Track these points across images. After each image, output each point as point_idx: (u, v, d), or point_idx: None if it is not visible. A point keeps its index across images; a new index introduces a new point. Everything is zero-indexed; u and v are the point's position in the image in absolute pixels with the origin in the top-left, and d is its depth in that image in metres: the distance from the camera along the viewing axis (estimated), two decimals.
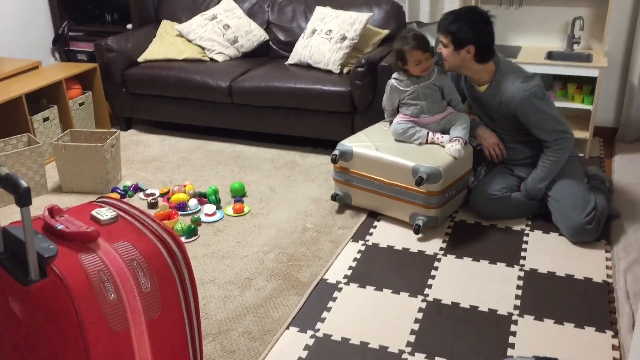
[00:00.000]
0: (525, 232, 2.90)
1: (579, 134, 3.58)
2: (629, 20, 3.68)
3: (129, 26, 4.53)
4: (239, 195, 3.26)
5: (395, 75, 3.02)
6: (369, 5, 3.97)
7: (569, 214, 2.77)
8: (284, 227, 2.97)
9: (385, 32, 3.88)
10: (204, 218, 3.04)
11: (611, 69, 3.75)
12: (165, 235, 1.46)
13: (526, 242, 2.81)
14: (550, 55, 3.71)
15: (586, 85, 3.68)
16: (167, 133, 4.18)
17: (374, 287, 2.51)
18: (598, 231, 2.77)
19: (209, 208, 3.08)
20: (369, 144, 3.00)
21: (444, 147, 2.90)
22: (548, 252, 2.73)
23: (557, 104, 3.38)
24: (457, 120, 2.96)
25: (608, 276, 2.55)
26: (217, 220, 3.04)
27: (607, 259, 2.67)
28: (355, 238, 2.88)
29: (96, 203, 1.58)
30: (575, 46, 3.77)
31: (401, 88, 2.98)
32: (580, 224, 2.72)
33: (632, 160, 3.61)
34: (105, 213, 1.48)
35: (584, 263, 2.64)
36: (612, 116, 3.96)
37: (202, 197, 3.21)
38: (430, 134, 2.97)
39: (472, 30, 2.76)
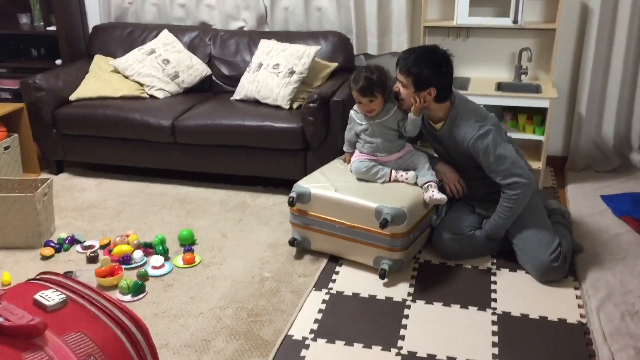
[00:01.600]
0: (492, 271, 2.80)
1: (531, 164, 3.55)
2: (574, 50, 3.72)
3: (58, 62, 4.23)
4: (188, 243, 3.02)
5: (355, 106, 2.92)
6: (315, 38, 3.85)
7: (535, 254, 2.69)
8: (240, 278, 2.75)
9: (334, 65, 3.76)
10: (151, 271, 2.78)
11: (559, 98, 3.76)
12: (125, 319, 1.24)
13: (494, 282, 2.71)
14: (500, 87, 3.69)
15: (536, 115, 3.67)
16: (104, 176, 3.88)
17: (344, 342, 2.33)
18: (565, 268, 2.70)
19: (157, 260, 2.83)
20: (327, 184, 2.84)
21: (410, 183, 2.82)
22: (518, 293, 2.63)
23: (509, 134, 3.34)
24: (418, 160, 2.86)
25: (581, 316, 2.48)
26: (166, 273, 2.79)
27: (577, 297, 2.60)
28: (318, 286, 2.70)
29: (38, 282, 1.33)
30: (523, 77, 3.77)
31: (357, 120, 2.88)
32: (547, 263, 2.65)
33: (585, 190, 3.61)
34: (51, 296, 1.24)
35: (556, 303, 2.56)
36: (560, 145, 3.98)
37: (148, 248, 2.95)
38: (393, 172, 2.84)
39: (435, 73, 2.67)
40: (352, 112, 2.92)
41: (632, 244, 2.98)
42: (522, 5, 3.46)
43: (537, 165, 3.62)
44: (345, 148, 3.06)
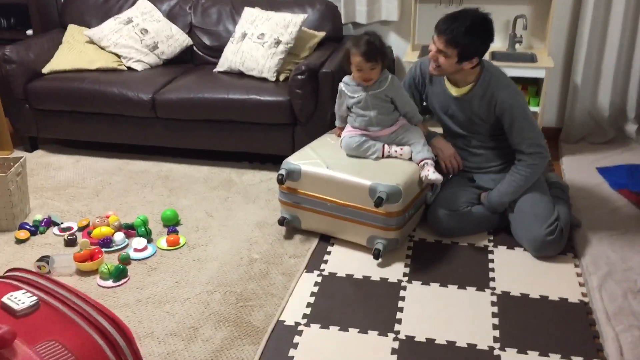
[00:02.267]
0: (489, 248, 2.71)
1: None
2: (570, 18, 3.59)
3: (29, 32, 4.00)
4: (172, 224, 2.88)
5: (345, 78, 2.74)
6: (301, 6, 3.67)
7: (530, 227, 2.60)
8: (228, 260, 2.62)
9: (321, 34, 3.59)
10: (133, 254, 2.64)
11: (554, 68, 3.64)
12: (105, 323, 1.11)
13: (492, 261, 2.62)
14: (494, 56, 3.56)
15: (531, 86, 3.55)
16: (82, 153, 3.70)
17: (339, 327, 2.23)
18: (561, 243, 2.61)
19: (139, 242, 2.69)
20: (318, 160, 2.71)
21: (405, 159, 2.70)
22: (516, 271, 2.54)
23: None
24: (412, 136, 2.72)
25: (583, 295, 2.39)
26: (150, 256, 2.65)
27: (577, 275, 2.51)
28: (310, 268, 2.58)
29: (6, 282, 1.19)
30: (517, 45, 3.63)
31: (349, 93, 2.71)
32: (541, 237, 2.56)
33: (580, 162, 3.52)
34: (21, 299, 1.11)
35: (556, 281, 2.47)
36: (554, 116, 3.87)
37: (130, 229, 2.81)
38: (386, 147, 2.71)
39: (483, 44, 2.51)
40: (341, 85, 2.75)
41: (631, 218, 2.90)
42: None
43: None
44: (337, 123, 2.91)
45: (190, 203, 3.10)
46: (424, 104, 2.93)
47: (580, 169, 3.43)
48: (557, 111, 3.85)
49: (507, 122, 2.62)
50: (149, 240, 2.75)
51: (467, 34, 2.46)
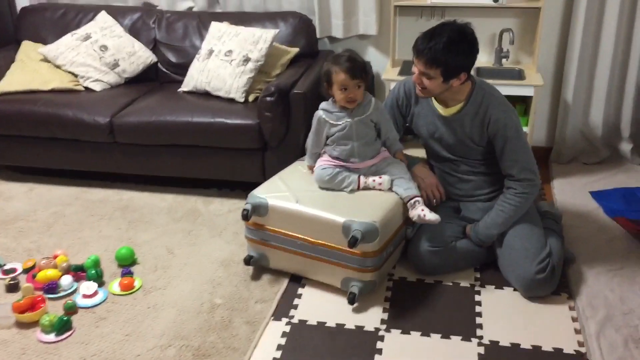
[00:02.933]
0: (476, 288, 2.46)
1: None
2: (559, 31, 3.37)
3: None
4: (127, 264, 2.61)
5: (324, 105, 2.47)
6: (273, 20, 3.42)
7: (519, 264, 2.37)
8: (187, 306, 2.36)
9: (295, 50, 3.34)
10: (81, 302, 2.37)
11: (544, 85, 3.41)
12: None
13: (479, 303, 2.37)
14: (479, 72, 3.32)
15: (519, 104, 3.32)
16: (36, 180, 3.41)
17: None
18: (553, 282, 2.37)
19: (88, 287, 2.42)
20: (287, 193, 2.45)
21: (384, 190, 2.45)
22: (506, 315, 2.30)
23: None
24: (395, 170, 2.47)
25: (579, 344, 2.15)
26: (100, 303, 2.38)
27: (573, 319, 2.27)
28: (278, 315, 2.32)
29: None
30: (504, 60, 3.41)
31: (331, 121, 2.43)
32: (531, 275, 2.32)
33: (572, 185, 3.29)
34: None
35: (549, 327, 2.23)
36: (544, 135, 3.64)
37: (79, 271, 2.54)
38: (362, 178, 2.46)
39: (467, 57, 2.29)
40: (321, 113, 2.45)
41: (629, 251, 2.67)
42: None
43: None
44: (308, 161, 2.59)
45: (150, 237, 2.84)
46: (407, 124, 2.70)
47: (572, 193, 3.20)
48: (547, 129, 3.62)
49: (500, 143, 2.40)
50: (100, 284, 2.48)
51: (447, 50, 2.23)
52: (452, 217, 2.62)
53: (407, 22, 3.47)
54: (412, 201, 2.40)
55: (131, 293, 2.44)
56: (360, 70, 2.34)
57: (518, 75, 3.27)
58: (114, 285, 2.47)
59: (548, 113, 3.58)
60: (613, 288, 2.42)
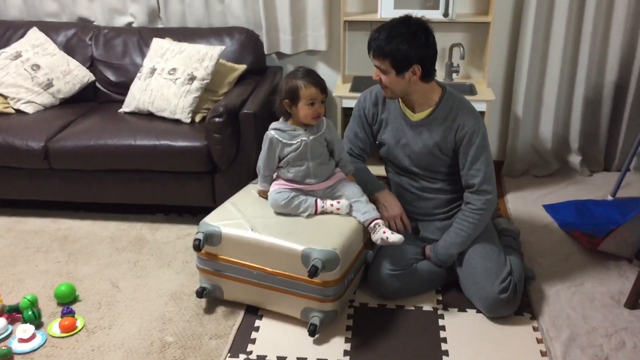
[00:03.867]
0: (439, 312, 2.39)
1: None
2: (508, 46, 3.37)
3: None
4: (67, 302, 2.41)
5: (275, 125, 2.34)
6: (218, 36, 3.28)
7: (481, 284, 2.32)
8: (135, 347, 2.18)
9: (242, 67, 3.21)
10: (17, 347, 2.16)
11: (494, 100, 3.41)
12: None
13: (443, 328, 2.30)
14: None
15: None
16: None
17: None
18: (516, 301, 2.32)
19: (25, 330, 2.20)
20: (241, 220, 2.32)
21: (342, 214, 2.35)
22: (471, 340, 2.23)
23: None
24: (351, 193, 2.38)
25: None
26: (38, 348, 2.18)
27: (538, 341, 2.23)
28: (234, 351, 2.18)
29: None
30: (455, 75, 3.38)
31: (284, 141, 2.30)
32: (494, 295, 2.27)
33: (525, 199, 3.29)
34: None
35: (515, 351, 2.18)
36: (496, 149, 3.64)
37: (14, 313, 2.32)
38: (319, 202, 2.35)
39: (414, 46, 2.22)
40: (272, 133, 2.32)
41: (587, 266, 2.66)
42: None
43: None
44: (262, 185, 2.45)
45: (92, 271, 2.64)
46: (377, 142, 2.62)
47: (526, 207, 3.19)
48: (498, 144, 3.62)
49: (466, 149, 2.35)
50: (38, 326, 2.28)
51: (390, 39, 2.22)
52: (411, 238, 2.54)
53: (356, 38, 3.40)
54: (373, 224, 2.31)
55: (73, 334, 2.24)
56: (324, 85, 2.29)
57: (469, 90, 3.25)
58: (54, 327, 2.27)
59: (499, 127, 3.58)
60: (574, 306, 2.40)
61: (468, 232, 2.38)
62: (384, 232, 2.26)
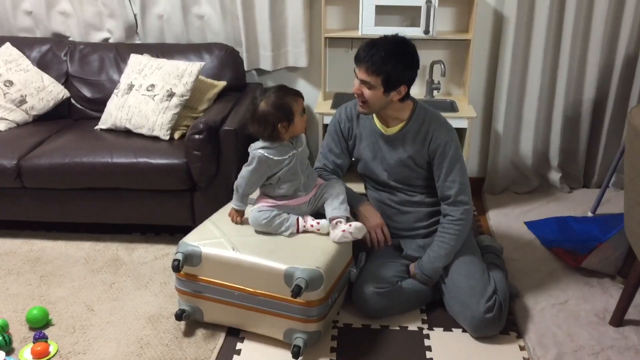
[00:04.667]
0: (424, 331, 2.35)
1: None
2: (488, 62, 3.38)
3: None
4: (40, 326, 2.31)
5: (260, 144, 2.26)
6: (197, 52, 3.24)
7: (466, 303, 2.28)
8: None
9: (222, 83, 3.16)
10: None
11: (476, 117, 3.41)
12: None
13: (429, 349, 2.25)
14: None
15: None
16: None
17: None
18: (502, 320, 2.30)
19: None
20: (221, 240, 2.26)
21: (323, 233, 2.29)
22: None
23: None
24: (330, 190, 2.36)
25: None
26: None
27: None
28: None
29: None
30: (435, 92, 3.38)
31: (275, 158, 2.24)
32: (479, 315, 2.24)
33: (507, 216, 3.28)
34: None
35: None
36: (476, 166, 3.64)
37: None
38: (301, 220, 2.30)
39: (407, 68, 2.25)
40: (261, 152, 2.23)
41: (570, 283, 2.65)
42: (434, 14, 3.05)
43: None
44: (238, 204, 2.35)
45: (65, 293, 2.54)
46: (352, 158, 2.61)
47: (508, 224, 3.18)
48: (479, 160, 3.62)
49: (439, 160, 2.35)
50: (9, 352, 2.17)
51: (388, 58, 2.21)
52: (394, 256, 2.51)
53: (337, 54, 3.38)
54: (334, 222, 2.27)
55: None
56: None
57: (450, 107, 3.25)
58: (25, 353, 2.17)
59: (479, 144, 3.58)
60: (560, 324, 2.38)
61: (450, 243, 2.37)
62: (343, 230, 2.24)
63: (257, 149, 2.25)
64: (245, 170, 2.28)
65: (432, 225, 2.50)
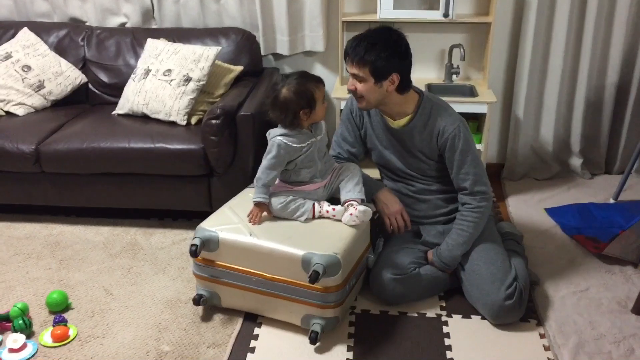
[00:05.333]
0: (443, 318, 2.33)
1: None
2: (508, 47, 3.32)
3: None
4: (59, 310, 2.33)
5: (279, 131, 2.23)
6: (214, 37, 3.21)
7: (486, 290, 2.26)
8: (130, 356, 2.11)
9: (239, 68, 3.14)
10: (7, 357, 2.08)
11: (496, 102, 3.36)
12: None
13: (447, 335, 2.23)
14: (430, 88, 3.23)
15: (471, 121, 3.25)
16: None
17: None
18: (522, 308, 2.26)
19: (15, 339, 2.12)
20: (239, 225, 2.25)
21: (339, 219, 2.26)
22: (477, 348, 2.17)
23: None
24: (345, 173, 2.34)
25: None
26: (29, 358, 2.10)
27: (545, 348, 2.17)
28: None
29: None
30: (454, 77, 3.33)
31: (295, 145, 2.21)
32: (499, 302, 2.21)
33: (527, 202, 3.24)
34: None
35: (521, 358, 2.11)
36: (495, 152, 3.59)
37: (4, 322, 2.24)
38: (317, 205, 2.29)
39: (394, 55, 2.19)
40: (280, 139, 2.21)
41: (592, 271, 2.61)
42: None
43: None
44: (261, 197, 2.26)
45: (85, 278, 2.56)
46: (367, 146, 2.57)
47: (528, 211, 3.14)
48: (499, 146, 3.57)
49: (450, 154, 2.31)
50: (29, 336, 2.20)
51: (372, 48, 2.18)
52: (413, 242, 2.49)
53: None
54: (346, 204, 2.26)
55: (65, 344, 2.16)
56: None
57: (470, 91, 3.20)
58: (45, 336, 2.19)
59: (499, 129, 3.53)
60: (581, 312, 2.34)
61: (469, 231, 2.34)
62: (351, 213, 2.22)
63: (276, 136, 2.23)
64: (265, 160, 2.25)
65: (452, 212, 2.47)
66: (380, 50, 2.17)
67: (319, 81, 2.25)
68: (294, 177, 2.29)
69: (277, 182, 2.33)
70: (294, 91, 2.18)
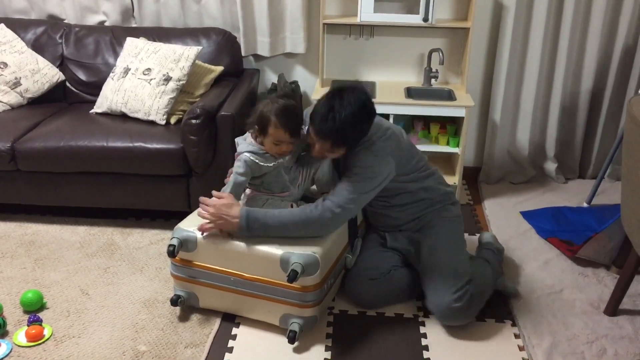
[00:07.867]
0: (420, 319, 2.35)
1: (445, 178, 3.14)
2: (486, 53, 3.37)
3: None
4: (34, 309, 2.30)
5: (247, 147, 2.20)
6: (195, 37, 3.21)
7: (436, 290, 2.26)
8: (106, 356, 2.09)
9: (219, 68, 3.14)
10: None
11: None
12: None
13: (425, 336, 2.26)
14: (410, 93, 3.26)
15: (449, 124, 3.29)
16: None
17: None
18: (469, 312, 2.26)
19: None
20: None
21: None
22: (453, 348, 2.19)
23: (420, 147, 2.93)
24: (315, 164, 2.39)
25: None
26: (3, 358, 2.07)
27: (520, 348, 2.20)
28: None
29: None
30: (433, 81, 3.36)
31: (262, 164, 2.20)
32: (446, 303, 2.21)
33: (503, 206, 3.28)
34: None
35: (496, 358, 2.15)
36: (473, 155, 3.63)
37: None
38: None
39: (358, 133, 2.12)
40: (247, 156, 2.17)
41: (565, 273, 2.66)
42: (433, 1, 3.03)
43: (452, 180, 3.24)
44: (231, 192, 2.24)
45: (60, 277, 2.53)
46: None
47: (505, 214, 3.18)
48: (476, 150, 3.62)
49: (343, 171, 2.23)
50: (3, 335, 2.17)
51: (351, 127, 2.06)
52: (384, 247, 2.49)
53: (335, 41, 3.36)
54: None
55: (40, 343, 2.14)
56: (298, 128, 2.17)
57: (448, 95, 3.24)
58: (20, 336, 2.16)
59: (476, 133, 3.57)
60: (555, 313, 2.39)
61: (292, 219, 2.13)
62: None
63: (244, 152, 2.19)
64: (234, 175, 2.20)
65: (422, 219, 2.41)
66: (347, 131, 2.06)
67: (284, 126, 2.10)
68: (265, 188, 2.29)
69: (249, 191, 2.32)
70: (263, 103, 2.16)
